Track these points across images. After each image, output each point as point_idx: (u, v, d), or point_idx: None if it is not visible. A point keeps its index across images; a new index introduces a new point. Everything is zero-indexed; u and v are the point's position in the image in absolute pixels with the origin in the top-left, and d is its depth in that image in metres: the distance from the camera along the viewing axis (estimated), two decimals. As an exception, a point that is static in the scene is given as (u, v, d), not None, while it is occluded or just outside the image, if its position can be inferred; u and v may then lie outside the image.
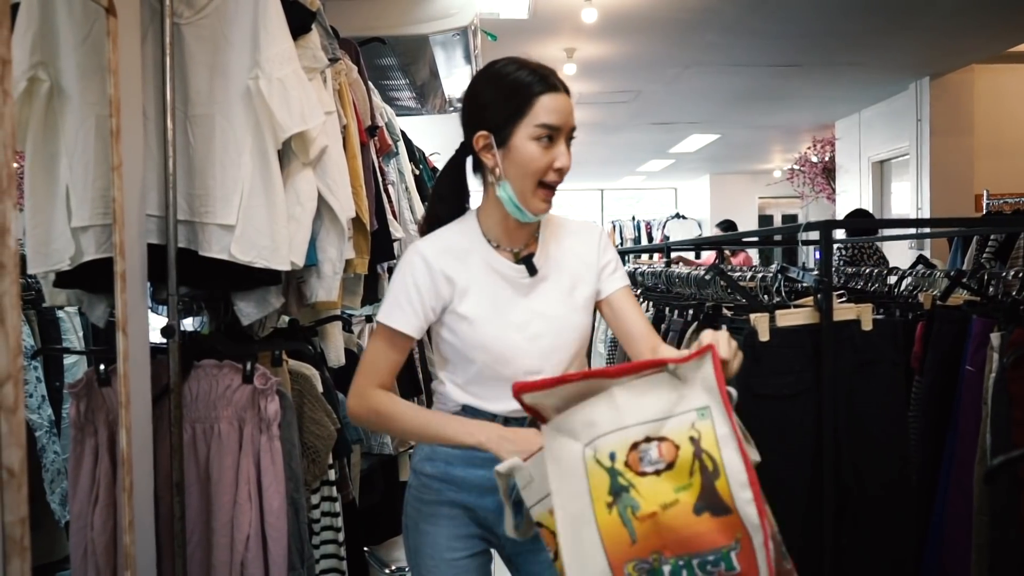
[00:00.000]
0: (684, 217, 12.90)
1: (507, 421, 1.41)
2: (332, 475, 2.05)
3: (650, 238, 12.85)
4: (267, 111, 1.67)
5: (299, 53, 1.75)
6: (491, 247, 1.44)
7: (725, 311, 1.98)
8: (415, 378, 2.94)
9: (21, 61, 1.65)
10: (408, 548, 1.51)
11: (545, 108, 1.35)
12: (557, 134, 1.36)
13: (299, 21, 1.77)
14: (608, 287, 1.48)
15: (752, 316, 1.75)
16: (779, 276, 1.98)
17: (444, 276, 1.40)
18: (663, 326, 2.37)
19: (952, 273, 2.22)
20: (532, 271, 1.43)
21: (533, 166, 1.36)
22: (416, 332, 1.41)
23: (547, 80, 1.36)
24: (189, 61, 1.71)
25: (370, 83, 2.55)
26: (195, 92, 1.71)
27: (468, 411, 1.44)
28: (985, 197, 5.01)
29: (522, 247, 1.46)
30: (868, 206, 7.58)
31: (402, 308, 1.40)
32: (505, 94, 1.36)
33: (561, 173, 1.38)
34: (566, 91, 1.38)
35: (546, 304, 1.44)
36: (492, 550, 1.52)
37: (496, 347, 1.40)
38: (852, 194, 7.92)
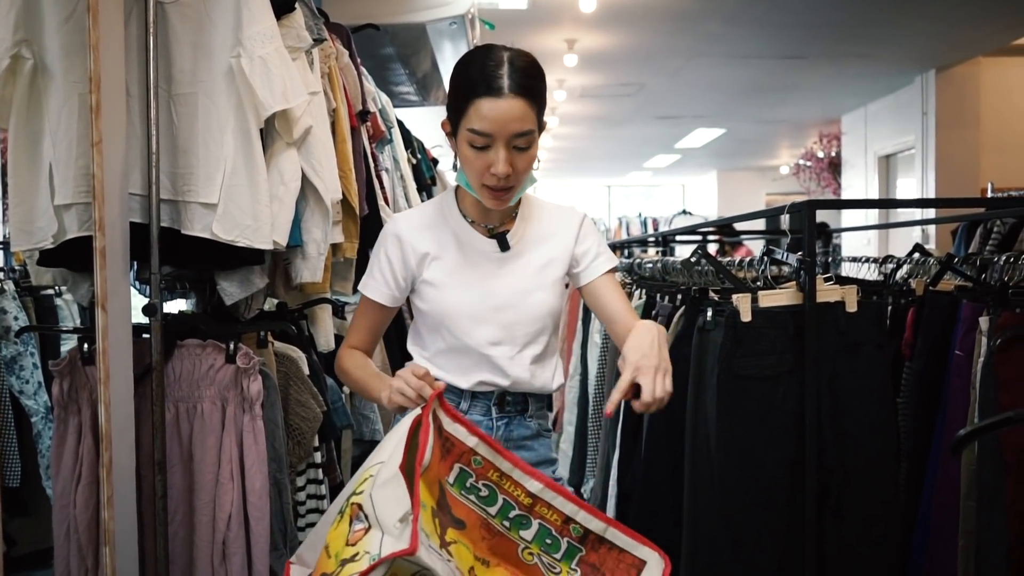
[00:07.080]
0: (690, 214, 12.85)
1: (474, 396, 1.45)
2: (318, 458, 2.05)
3: (656, 234, 12.81)
4: (249, 89, 1.66)
5: (283, 32, 1.75)
6: (466, 222, 1.47)
7: (712, 294, 1.97)
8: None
9: (4, 39, 1.65)
10: None
11: (478, 113, 1.30)
12: (491, 140, 1.32)
13: (283, 0, 1.77)
14: (589, 274, 1.48)
15: (734, 296, 1.74)
16: (765, 258, 1.97)
17: (413, 248, 1.45)
18: (653, 312, 2.36)
19: (943, 259, 2.20)
20: (504, 247, 1.45)
21: (468, 168, 1.36)
22: (386, 300, 1.48)
23: (489, 83, 1.30)
24: (173, 40, 1.71)
25: (363, 69, 2.53)
26: (179, 71, 1.71)
27: None
28: (990, 190, 4.96)
29: (497, 224, 1.47)
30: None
31: (373, 277, 1.48)
32: (455, 88, 1.37)
33: (500, 178, 1.33)
34: (517, 93, 1.30)
35: (514, 278, 1.45)
36: None
37: (459, 313, 1.43)
38: (858, 189, 7.87)
